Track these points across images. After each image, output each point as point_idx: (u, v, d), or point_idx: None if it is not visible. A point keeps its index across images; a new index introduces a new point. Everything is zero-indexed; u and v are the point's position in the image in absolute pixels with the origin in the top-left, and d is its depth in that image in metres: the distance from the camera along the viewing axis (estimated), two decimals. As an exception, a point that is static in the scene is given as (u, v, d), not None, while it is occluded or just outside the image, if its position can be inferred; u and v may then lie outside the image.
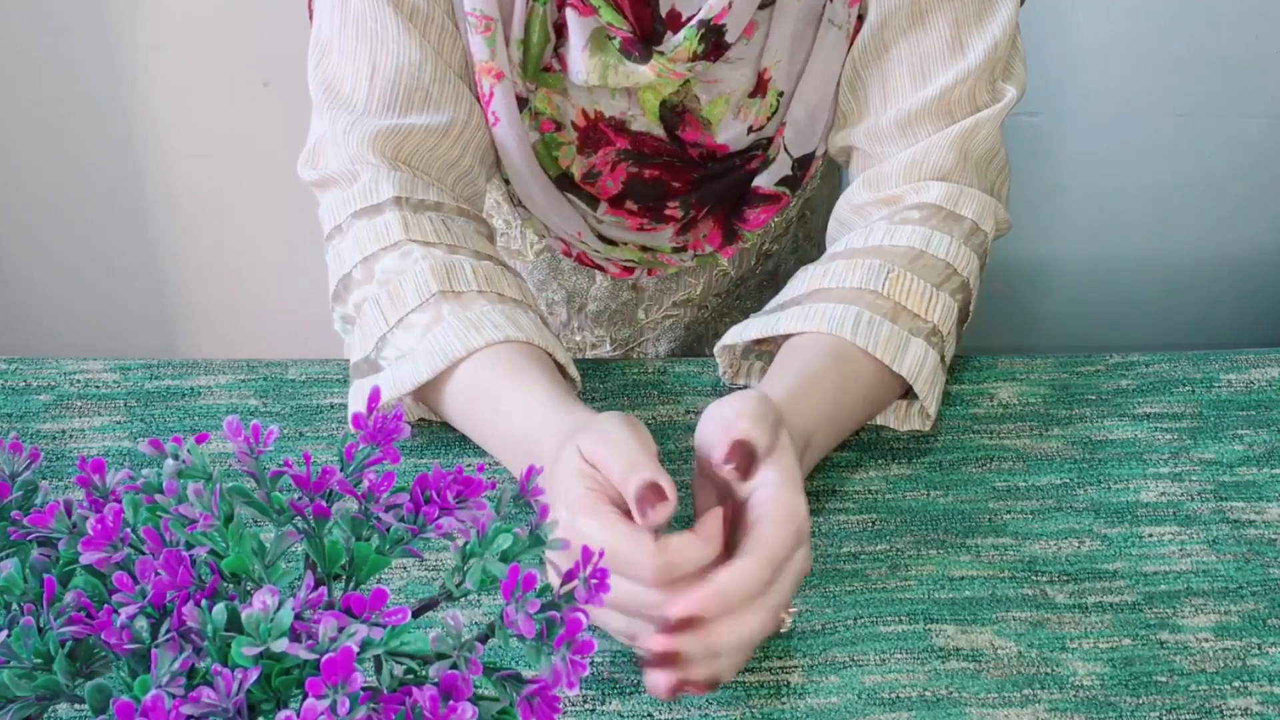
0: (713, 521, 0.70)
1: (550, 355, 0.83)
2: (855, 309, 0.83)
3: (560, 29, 0.92)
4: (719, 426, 0.71)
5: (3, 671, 0.44)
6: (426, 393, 0.84)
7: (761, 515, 0.69)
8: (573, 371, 0.85)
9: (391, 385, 0.81)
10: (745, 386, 0.92)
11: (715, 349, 0.90)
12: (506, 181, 1.02)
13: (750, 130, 0.99)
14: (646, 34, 0.91)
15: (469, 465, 0.85)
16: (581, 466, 0.70)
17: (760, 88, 0.97)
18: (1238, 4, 1.55)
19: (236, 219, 1.70)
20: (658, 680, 0.67)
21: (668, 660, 0.66)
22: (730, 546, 0.71)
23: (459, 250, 0.85)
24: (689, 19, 0.91)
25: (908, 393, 0.88)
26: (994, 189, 0.94)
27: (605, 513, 0.68)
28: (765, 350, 0.92)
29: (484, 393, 0.80)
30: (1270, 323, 1.80)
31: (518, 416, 0.78)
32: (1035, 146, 1.65)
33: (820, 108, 0.97)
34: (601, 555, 0.50)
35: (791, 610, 0.74)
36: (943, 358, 0.87)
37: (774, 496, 0.69)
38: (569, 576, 0.49)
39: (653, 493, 0.67)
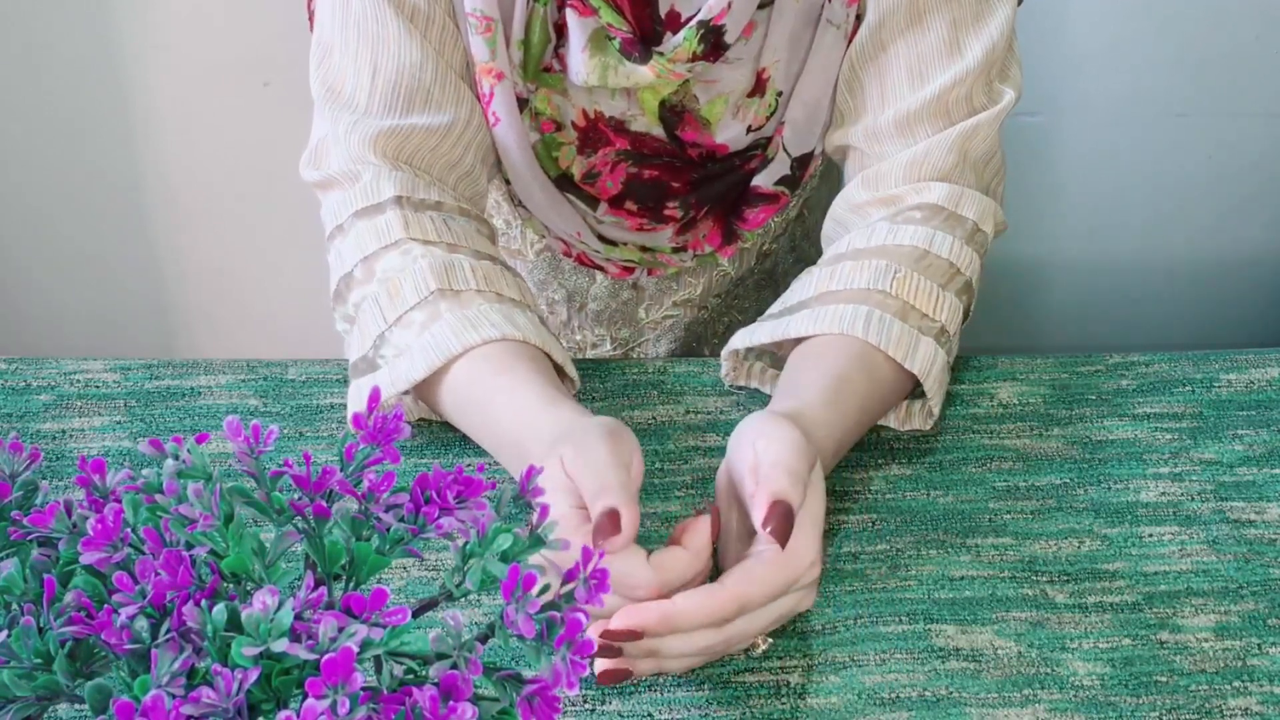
0: (700, 535, 0.70)
1: (547, 355, 0.83)
2: (865, 308, 0.84)
3: (560, 29, 0.92)
4: (749, 467, 0.71)
5: (3, 671, 0.44)
6: (425, 391, 0.84)
7: (762, 554, 0.70)
8: (571, 371, 0.85)
9: (389, 383, 0.81)
10: (746, 388, 0.92)
11: (722, 353, 0.90)
12: (507, 181, 1.02)
13: (749, 130, 0.99)
14: (646, 34, 0.91)
15: (469, 465, 0.84)
16: (565, 482, 0.71)
17: (759, 87, 0.97)
18: (1238, 4, 1.55)
19: (236, 219, 1.70)
20: (598, 664, 0.68)
21: (606, 651, 0.68)
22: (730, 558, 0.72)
23: (459, 249, 0.85)
24: (688, 19, 0.91)
25: (909, 393, 0.88)
26: (989, 189, 0.94)
27: (589, 533, 0.68)
28: (766, 350, 0.92)
29: (479, 391, 0.80)
30: (1270, 323, 1.80)
31: (508, 416, 0.79)
32: (1035, 146, 1.65)
33: (819, 107, 0.97)
34: (602, 555, 0.50)
35: (768, 640, 0.74)
36: (949, 358, 0.87)
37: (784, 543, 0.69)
38: (569, 577, 0.49)
39: (609, 522, 0.67)
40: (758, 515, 0.69)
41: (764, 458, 0.71)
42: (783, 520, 0.68)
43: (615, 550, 0.67)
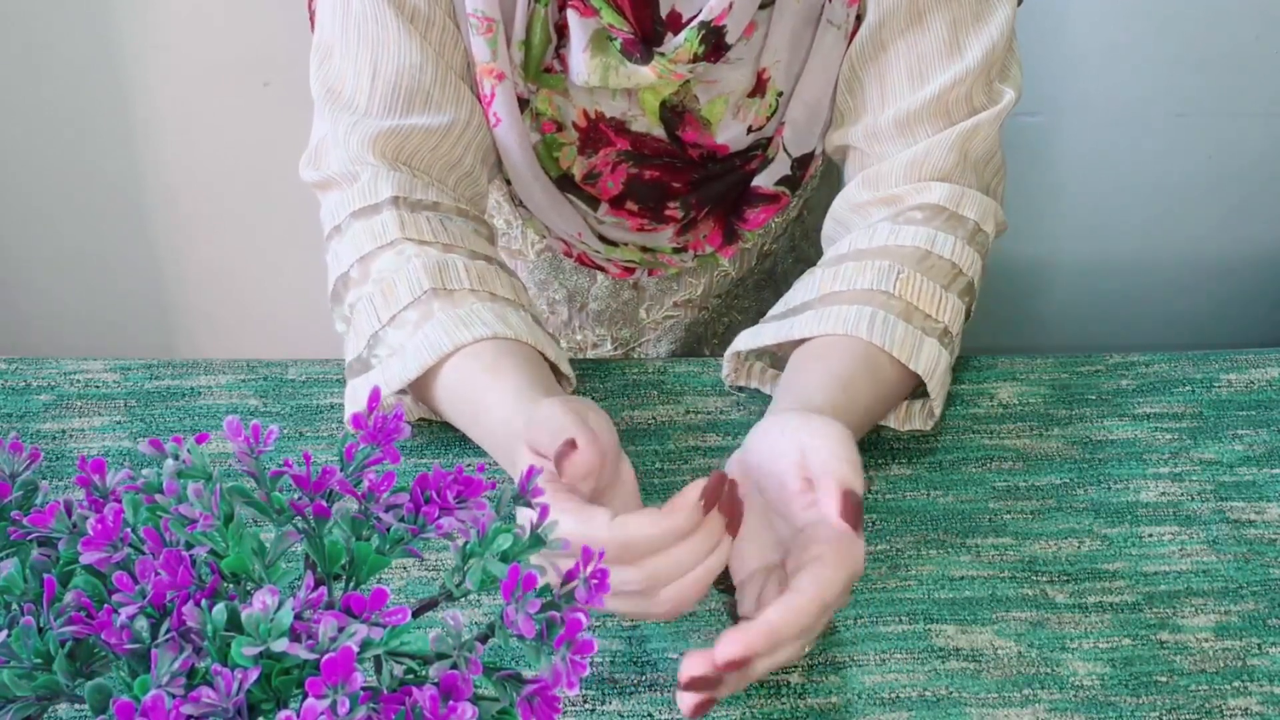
0: (689, 494, 0.68)
1: (541, 353, 0.83)
2: (869, 309, 0.84)
3: (561, 30, 0.92)
4: (795, 462, 0.70)
5: (3, 671, 0.44)
6: (421, 391, 0.84)
7: (822, 556, 0.68)
8: (566, 369, 0.85)
9: (383, 383, 0.81)
10: (746, 388, 0.92)
11: (725, 355, 0.90)
12: (508, 182, 1.02)
13: (750, 130, 0.99)
14: (647, 35, 0.91)
15: (469, 465, 0.84)
16: (531, 459, 0.70)
17: (759, 88, 0.97)
18: (1238, 4, 1.55)
19: (236, 219, 1.70)
20: (687, 701, 0.66)
21: (708, 685, 0.65)
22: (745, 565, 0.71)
23: (454, 249, 0.85)
24: (689, 20, 0.91)
25: (910, 393, 0.88)
26: (990, 189, 0.94)
27: (557, 500, 0.67)
28: (767, 351, 0.92)
29: (469, 389, 0.80)
30: (1270, 323, 1.80)
31: (495, 413, 0.78)
32: (1035, 146, 1.65)
33: (819, 107, 0.97)
34: (602, 555, 0.50)
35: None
36: (951, 359, 0.87)
37: (839, 539, 0.68)
38: (569, 576, 0.49)
39: (568, 447, 0.67)
40: (828, 507, 0.68)
41: (817, 453, 0.70)
42: (857, 511, 0.68)
43: (580, 469, 0.67)
